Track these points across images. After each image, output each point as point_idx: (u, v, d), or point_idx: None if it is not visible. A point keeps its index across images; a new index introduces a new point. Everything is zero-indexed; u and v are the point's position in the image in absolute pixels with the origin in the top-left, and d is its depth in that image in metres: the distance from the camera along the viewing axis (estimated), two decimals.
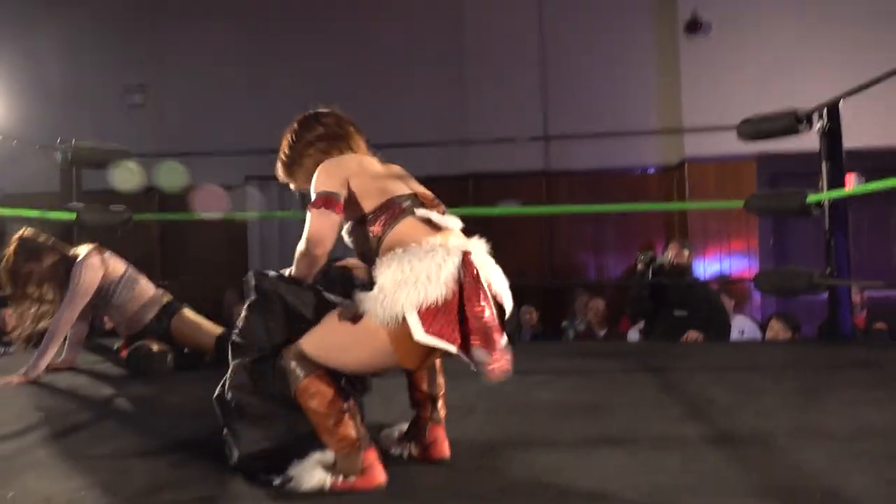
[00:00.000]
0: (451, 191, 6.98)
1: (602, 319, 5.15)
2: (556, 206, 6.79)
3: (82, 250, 3.20)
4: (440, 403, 1.89)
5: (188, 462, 1.81)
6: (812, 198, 3.57)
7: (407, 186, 1.85)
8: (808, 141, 3.81)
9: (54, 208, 4.11)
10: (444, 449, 1.85)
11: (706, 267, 6.50)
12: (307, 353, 1.69)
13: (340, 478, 1.65)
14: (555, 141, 6.94)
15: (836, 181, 3.62)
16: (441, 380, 1.91)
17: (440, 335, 1.61)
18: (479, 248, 1.77)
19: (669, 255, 4.25)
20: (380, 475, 1.66)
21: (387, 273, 1.64)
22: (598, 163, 6.89)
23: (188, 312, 3.27)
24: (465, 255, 1.69)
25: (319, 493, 1.61)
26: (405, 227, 1.75)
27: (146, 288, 3.30)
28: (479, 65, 7.20)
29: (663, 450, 1.90)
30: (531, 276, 7.12)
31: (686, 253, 4.33)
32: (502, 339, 1.68)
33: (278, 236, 7.48)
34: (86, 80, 7.68)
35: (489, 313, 1.66)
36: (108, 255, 3.24)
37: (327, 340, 1.69)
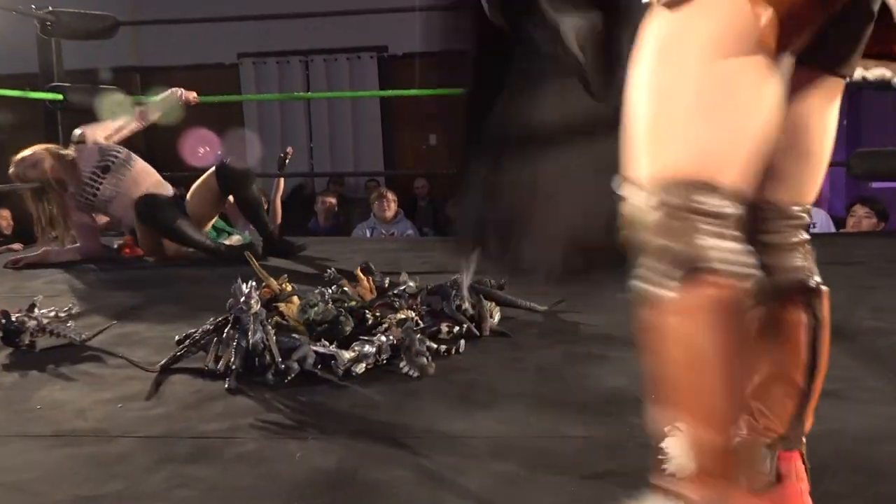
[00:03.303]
0: None
1: None
2: None
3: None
4: (808, 416, 1.09)
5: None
6: None
7: None
8: None
9: (35, 89, 3.93)
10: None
11: None
12: (668, 176, 0.92)
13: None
14: None
15: None
16: (819, 385, 1.10)
17: None
18: None
19: None
20: None
21: None
22: None
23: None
24: None
25: None
26: None
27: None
28: None
29: None
30: None
31: None
32: None
33: (280, 121, 7.29)
34: None
35: None
36: None
37: (672, 108, 0.94)
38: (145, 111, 3.64)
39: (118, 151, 3.42)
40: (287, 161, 4.90)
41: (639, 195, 0.94)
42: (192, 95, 3.71)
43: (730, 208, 0.92)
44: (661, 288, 0.91)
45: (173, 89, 3.68)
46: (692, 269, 0.89)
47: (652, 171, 0.94)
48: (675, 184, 0.91)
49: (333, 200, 5.87)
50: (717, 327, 0.90)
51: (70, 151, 3.39)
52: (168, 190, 3.46)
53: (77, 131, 3.46)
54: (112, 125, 3.53)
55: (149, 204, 3.26)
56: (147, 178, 3.42)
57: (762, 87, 0.93)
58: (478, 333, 2.02)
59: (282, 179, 5.09)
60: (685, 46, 0.93)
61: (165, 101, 3.64)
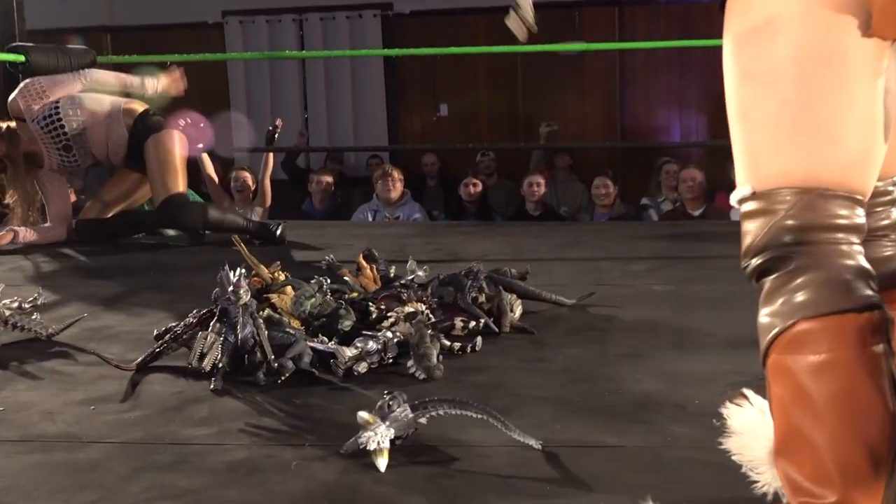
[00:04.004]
0: (489, 24, 6.89)
1: (698, 194, 5.02)
2: (631, 43, 6.51)
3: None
4: None
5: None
6: None
7: None
8: None
9: None
10: None
11: None
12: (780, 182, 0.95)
13: None
14: None
15: None
16: None
17: None
18: None
19: None
20: None
21: None
22: None
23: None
24: None
25: None
26: None
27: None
28: None
29: None
30: (596, 139, 6.97)
31: None
32: None
33: (269, 84, 7.30)
34: None
35: None
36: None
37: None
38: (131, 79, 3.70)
39: (55, 114, 3.41)
40: (276, 134, 4.90)
41: (767, 210, 0.96)
42: (175, 77, 3.73)
43: (862, 218, 0.95)
44: (796, 318, 0.92)
45: (148, 81, 3.68)
46: (838, 295, 0.91)
47: (779, 181, 0.95)
48: (813, 195, 0.93)
49: (330, 179, 5.88)
50: (859, 364, 0.90)
51: (10, 124, 3.47)
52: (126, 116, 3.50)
53: (10, 99, 3.49)
54: (63, 81, 3.52)
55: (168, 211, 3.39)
56: (102, 106, 3.48)
57: (877, 71, 0.94)
58: (496, 330, 2.03)
59: (271, 156, 5.09)
60: (785, 28, 0.94)
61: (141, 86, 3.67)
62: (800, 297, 0.92)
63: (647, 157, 6.14)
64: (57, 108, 3.41)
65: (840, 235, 0.93)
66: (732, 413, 1.13)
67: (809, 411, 0.91)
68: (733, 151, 1.01)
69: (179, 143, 3.49)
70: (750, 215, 0.97)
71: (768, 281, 0.96)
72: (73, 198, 3.69)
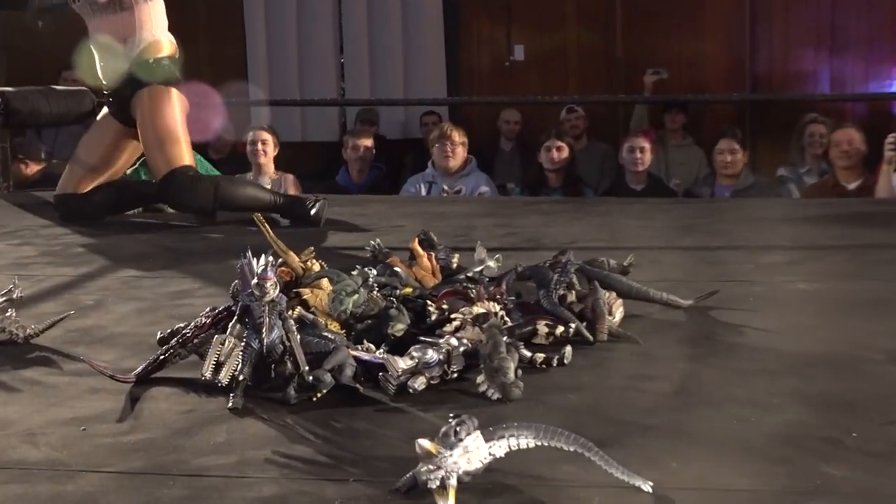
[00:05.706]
0: None
1: (855, 163, 4.96)
2: None
3: None
4: None
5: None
6: None
7: None
8: None
9: None
10: None
11: None
12: None
13: None
14: None
15: None
16: None
17: None
18: None
19: None
20: None
21: None
22: None
23: None
24: None
25: None
26: None
27: None
28: None
29: None
30: (719, 90, 6.89)
31: None
32: None
33: (296, 19, 7.37)
34: None
35: None
36: None
37: None
38: None
39: None
40: None
41: None
42: None
43: None
44: None
45: None
46: None
47: None
48: None
49: (370, 143, 5.90)
50: None
51: None
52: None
53: None
54: None
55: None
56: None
57: None
58: (591, 338, 2.03)
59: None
60: None
61: None
62: None
63: (787, 115, 6.05)
64: None
65: None
66: None
67: None
68: None
69: (179, 102, 3.53)
70: None
71: None
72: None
